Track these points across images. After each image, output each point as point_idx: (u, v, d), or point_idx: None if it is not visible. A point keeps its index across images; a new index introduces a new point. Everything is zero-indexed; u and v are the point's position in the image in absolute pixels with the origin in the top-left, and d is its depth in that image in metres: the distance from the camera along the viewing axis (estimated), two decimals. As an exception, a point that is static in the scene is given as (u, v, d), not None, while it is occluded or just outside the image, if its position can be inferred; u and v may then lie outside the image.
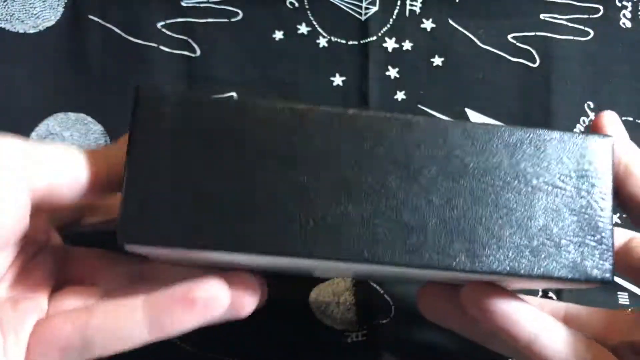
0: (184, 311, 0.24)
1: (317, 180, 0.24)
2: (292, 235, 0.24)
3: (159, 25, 0.38)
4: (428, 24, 0.39)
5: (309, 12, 0.39)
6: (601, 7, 0.40)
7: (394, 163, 0.25)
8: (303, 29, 0.39)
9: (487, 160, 0.25)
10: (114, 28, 0.38)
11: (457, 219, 0.25)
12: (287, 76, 0.39)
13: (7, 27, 0.38)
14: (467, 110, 0.39)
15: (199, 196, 0.24)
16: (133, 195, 0.24)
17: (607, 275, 0.25)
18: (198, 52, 0.39)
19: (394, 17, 0.39)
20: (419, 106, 0.39)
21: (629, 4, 0.40)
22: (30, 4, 0.38)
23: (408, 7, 0.39)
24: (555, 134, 0.26)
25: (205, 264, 0.28)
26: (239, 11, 0.39)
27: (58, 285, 0.28)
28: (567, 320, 0.32)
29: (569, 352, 0.26)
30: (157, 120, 0.24)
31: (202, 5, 0.39)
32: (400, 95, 0.39)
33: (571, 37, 0.40)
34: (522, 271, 0.25)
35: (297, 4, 0.39)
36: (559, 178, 0.25)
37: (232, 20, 0.39)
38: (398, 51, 0.39)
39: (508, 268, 0.25)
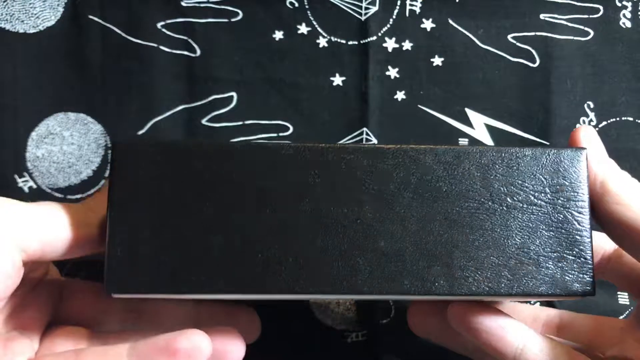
0: None
1: (294, 217, 0.25)
2: (272, 274, 0.24)
3: (159, 25, 0.38)
4: (428, 24, 0.39)
5: (309, 12, 0.39)
6: (601, 7, 0.40)
7: (367, 193, 0.25)
8: (303, 29, 0.39)
9: (460, 183, 0.25)
10: (114, 28, 0.38)
11: (434, 243, 0.25)
12: (287, 76, 0.39)
13: (7, 27, 0.38)
14: (467, 110, 0.39)
15: (180, 242, 0.25)
16: (116, 246, 0.25)
17: (588, 288, 0.25)
18: (198, 52, 0.39)
19: (394, 17, 0.39)
20: (419, 106, 0.39)
21: (629, 4, 0.40)
22: (30, 4, 0.38)
23: (408, 7, 0.39)
24: (528, 151, 0.26)
25: (197, 298, 0.28)
26: (239, 11, 0.39)
27: (53, 320, 0.29)
28: (562, 328, 0.32)
29: None
30: (134, 170, 0.25)
31: (202, 5, 0.39)
32: (400, 95, 0.39)
33: (571, 37, 0.40)
34: (502, 291, 0.25)
35: (297, 4, 0.39)
36: (534, 195, 0.25)
37: (232, 20, 0.39)
38: (398, 51, 0.39)
39: (487, 289, 0.25)
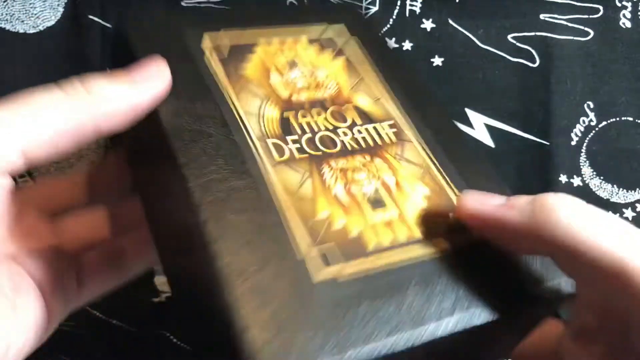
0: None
1: None
2: None
3: (159, 25, 0.38)
4: (428, 24, 0.39)
5: (309, 12, 0.39)
6: (601, 7, 0.40)
7: None
8: (303, 29, 0.39)
9: None
10: (114, 28, 0.38)
11: None
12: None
13: (7, 27, 0.38)
14: (467, 110, 0.39)
15: None
16: None
17: None
18: (198, 52, 0.39)
19: (394, 17, 0.39)
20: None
21: (629, 4, 0.40)
22: (30, 4, 0.38)
23: (408, 7, 0.39)
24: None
25: None
26: (239, 11, 0.39)
27: None
28: None
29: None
30: None
31: (202, 5, 0.39)
32: (400, 95, 0.39)
33: (571, 37, 0.40)
34: None
35: (297, 4, 0.39)
36: None
37: (232, 20, 0.39)
38: (398, 51, 0.39)
39: None
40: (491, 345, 0.28)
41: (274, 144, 0.27)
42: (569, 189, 0.39)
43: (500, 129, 0.39)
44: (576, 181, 0.39)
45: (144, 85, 0.26)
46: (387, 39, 0.39)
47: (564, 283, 0.25)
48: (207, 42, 0.30)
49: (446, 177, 0.28)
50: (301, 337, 0.21)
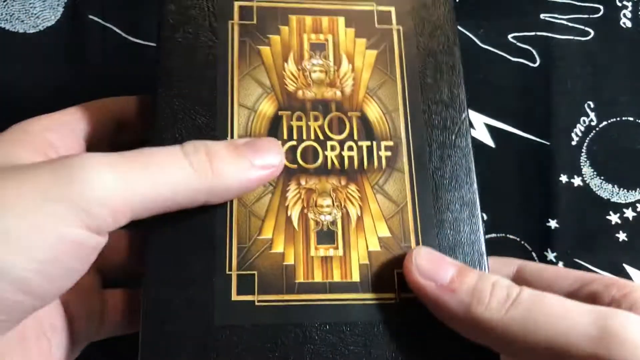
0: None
1: None
2: None
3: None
4: (428, 24, 0.39)
5: (309, 12, 0.39)
6: (601, 7, 0.40)
7: None
8: (303, 28, 0.39)
9: None
10: (114, 28, 0.38)
11: None
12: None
13: (7, 27, 0.38)
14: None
15: None
16: None
17: None
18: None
19: (394, 17, 0.39)
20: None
21: (629, 4, 0.40)
22: (30, 4, 0.38)
23: (408, 7, 0.39)
24: None
25: None
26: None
27: None
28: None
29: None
30: None
31: (202, 5, 0.39)
32: (400, 95, 0.39)
33: (571, 37, 0.40)
34: None
35: None
36: None
37: (232, 20, 0.39)
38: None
39: None
40: None
41: None
42: (569, 189, 0.38)
43: (500, 129, 0.39)
44: (576, 181, 0.39)
45: (261, 170, 0.25)
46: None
47: None
48: (235, 12, 0.28)
49: (418, 222, 0.26)
50: None
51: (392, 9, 0.29)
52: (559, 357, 0.21)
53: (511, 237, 0.37)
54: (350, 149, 0.27)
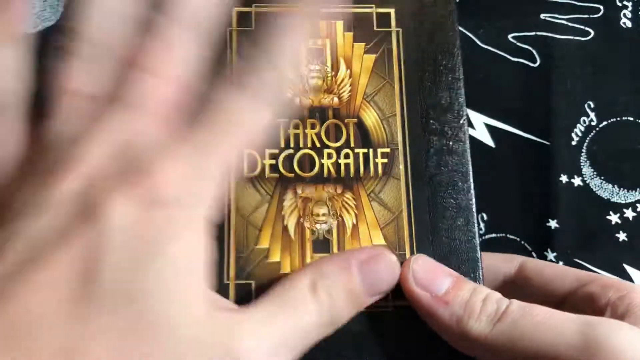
0: None
1: None
2: None
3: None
4: (428, 24, 0.39)
5: (309, 12, 0.39)
6: (601, 7, 0.40)
7: None
8: (303, 28, 0.39)
9: None
10: (113, 28, 0.38)
11: None
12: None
13: (7, 27, 0.38)
14: (467, 110, 0.39)
15: None
16: None
17: None
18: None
19: (394, 17, 0.39)
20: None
21: (629, 4, 0.40)
22: (30, 3, 0.38)
23: (408, 7, 0.39)
24: None
25: None
26: (239, 11, 0.39)
27: None
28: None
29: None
30: None
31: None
32: (400, 95, 0.39)
33: (571, 37, 0.40)
34: None
35: None
36: None
37: (232, 20, 0.39)
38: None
39: None
40: None
41: (250, 156, 0.26)
42: (569, 189, 0.38)
43: (500, 129, 0.39)
44: (577, 181, 0.39)
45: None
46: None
47: None
48: (234, 20, 0.28)
49: (413, 230, 0.26)
50: None
51: (392, 11, 0.29)
52: None
53: (511, 237, 0.37)
54: (347, 156, 0.27)
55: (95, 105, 0.20)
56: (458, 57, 0.29)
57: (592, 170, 0.39)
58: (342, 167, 0.27)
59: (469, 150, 0.28)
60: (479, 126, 0.39)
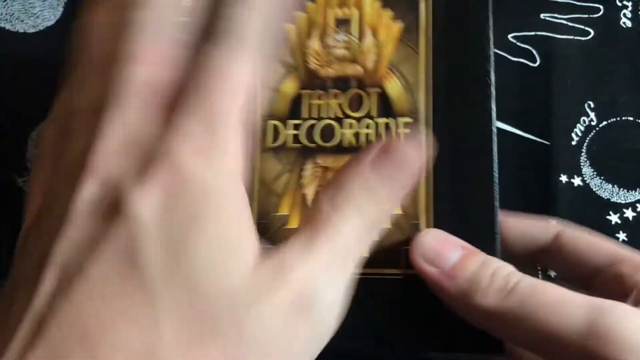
0: None
1: None
2: None
3: (158, 25, 0.38)
4: (428, 24, 0.39)
5: (309, 12, 0.39)
6: (601, 7, 0.40)
7: None
8: (303, 28, 0.39)
9: None
10: (113, 28, 0.38)
11: None
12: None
13: (7, 27, 0.38)
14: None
15: None
16: None
17: None
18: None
19: (394, 16, 0.39)
20: (419, 106, 0.39)
21: (629, 4, 0.40)
22: (30, 3, 0.38)
23: (408, 7, 0.39)
24: None
25: None
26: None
27: None
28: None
29: None
30: None
31: (202, 5, 0.39)
32: (400, 95, 0.39)
33: (571, 37, 0.40)
34: None
35: (297, 4, 0.39)
36: None
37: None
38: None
39: None
40: None
41: (274, 126, 0.27)
42: (569, 188, 0.38)
43: (500, 129, 0.39)
44: (576, 181, 0.39)
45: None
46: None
47: None
48: None
49: (431, 200, 0.26)
50: None
51: None
52: (552, 347, 0.22)
53: (511, 237, 0.37)
54: (368, 126, 0.27)
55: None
56: (489, 28, 0.29)
57: (592, 170, 0.39)
58: (362, 137, 0.27)
59: (494, 119, 0.27)
60: (479, 126, 0.39)
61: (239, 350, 0.17)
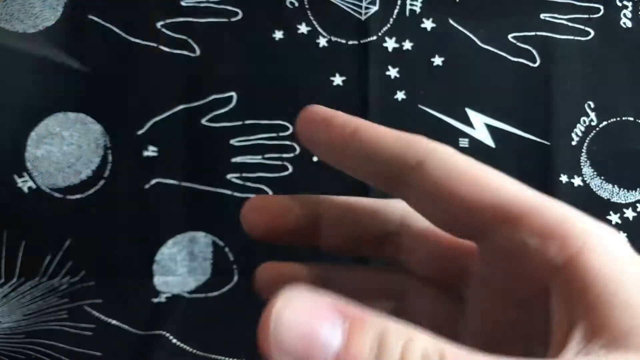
0: None
1: None
2: None
3: (158, 24, 0.38)
4: (428, 24, 0.39)
5: (309, 11, 0.39)
6: (601, 7, 0.40)
7: None
8: (303, 28, 0.39)
9: None
10: (113, 28, 0.38)
11: None
12: (287, 76, 0.39)
13: (7, 27, 0.38)
14: (467, 110, 0.39)
15: None
16: None
17: None
18: (198, 52, 0.38)
19: (394, 16, 0.39)
20: (419, 106, 0.39)
21: (629, 4, 0.40)
22: (29, 3, 0.38)
23: (408, 7, 0.39)
24: None
25: None
26: (239, 11, 0.39)
27: None
28: None
29: None
30: None
31: (202, 4, 0.39)
32: (400, 95, 0.39)
33: (571, 37, 0.40)
34: None
35: (297, 4, 0.39)
36: None
37: (232, 20, 0.39)
38: (398, 51, 0.39)
39: None
40: None
41: None
42: (569, 188, 0.38)
43: (500, 129, 0.39)
44: (577, 181, 0.39)
45: None
46: (387, 39, 0.39)
47: None
48: None
49: None
50: None
51: None
52: None
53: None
54: None
55: None
56: None
57: (592, 170, 0.39)
58: None
59: None
60: (479, 126, 0.39)
61: None
